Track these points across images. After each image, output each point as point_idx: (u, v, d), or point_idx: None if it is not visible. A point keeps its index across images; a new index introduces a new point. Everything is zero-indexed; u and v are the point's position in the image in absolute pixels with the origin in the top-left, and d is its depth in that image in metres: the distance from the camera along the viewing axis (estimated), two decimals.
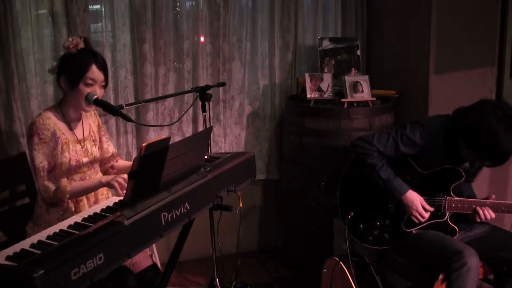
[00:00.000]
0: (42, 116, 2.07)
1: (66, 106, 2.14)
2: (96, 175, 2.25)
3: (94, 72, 2.04)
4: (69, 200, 2.09)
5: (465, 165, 2.36)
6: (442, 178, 2.33)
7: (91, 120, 2.30)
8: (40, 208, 2.14)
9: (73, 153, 2.12)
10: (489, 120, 2.10)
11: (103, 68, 2.08)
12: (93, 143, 2.25)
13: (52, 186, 2.02)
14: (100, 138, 2.34)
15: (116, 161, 2.40)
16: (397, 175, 2.33)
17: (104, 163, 2.37)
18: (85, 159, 2.18)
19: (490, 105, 2.16)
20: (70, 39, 2.05)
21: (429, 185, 2.35)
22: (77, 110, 2.16)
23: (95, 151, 2.26)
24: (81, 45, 2.06)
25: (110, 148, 2.38)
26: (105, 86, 2.13)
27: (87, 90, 2.05)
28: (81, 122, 2.22)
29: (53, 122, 2.08)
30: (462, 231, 2.39)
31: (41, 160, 2.03)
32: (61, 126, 2.11)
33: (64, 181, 2.06)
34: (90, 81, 2.04)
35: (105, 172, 2.40)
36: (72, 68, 2.04)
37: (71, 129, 2.15)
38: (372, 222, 2.41)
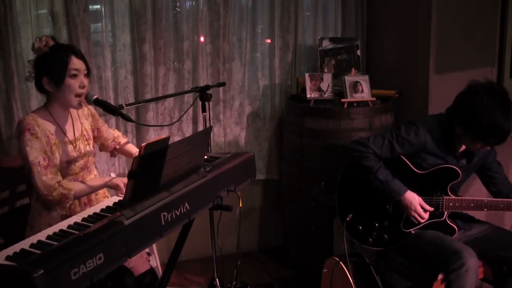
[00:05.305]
0: (29, 115, 2.00)
1: (54, 107, 2.06)
2: (90, 176, 2.19)
3: (75, 62, 2.00)
4: (57, 205, 2.03)
5: (462, 162, 2.37)
6: (439, 178, 2.33)
7: (83, 118, 2.23)
8: (32, 216, 2.10)
9: (63, 154, 2.05)
10: (481, 97, 2.17)
11: (82, 56, 2.05)
12: (86, 143, 2.19)
13: (52, 181, 1.93)
14: (98, 129, 2.31)
15: (126, 143, 2.44)
16: (394, 177, 2.33)
17: (107, 147, 2.40)
18: (77, 160, 2.11)
19: (478, 84, 2.24)
20: (38, 39, 1.99)
21: (426, 185, 2.35)
22: (66, 109, 2.10)
23: (89, 150, 2.20)
24: (51, 42, 2.01)
25: (110, 134, 2.38)
26: (88, 75, 2.07)
27: (74, 82, 1.99)
28: (71, 121, 2.15)
29: (41, 121, 2.00)
30: (462, 230, 2.39)
31: (35, 155, 1.92)
32: (49, 127, 2.03)
33: (66, 180, 2.01)
34: (74, 72, 1.99)
35: (111, 153, 2.44)
36: (52, 65, 1.98)
37: (61, 129, 2.08)
38: (371, 224, 2.41)
